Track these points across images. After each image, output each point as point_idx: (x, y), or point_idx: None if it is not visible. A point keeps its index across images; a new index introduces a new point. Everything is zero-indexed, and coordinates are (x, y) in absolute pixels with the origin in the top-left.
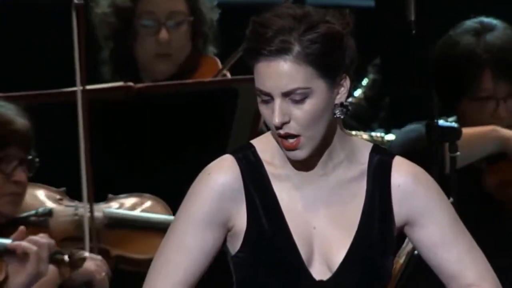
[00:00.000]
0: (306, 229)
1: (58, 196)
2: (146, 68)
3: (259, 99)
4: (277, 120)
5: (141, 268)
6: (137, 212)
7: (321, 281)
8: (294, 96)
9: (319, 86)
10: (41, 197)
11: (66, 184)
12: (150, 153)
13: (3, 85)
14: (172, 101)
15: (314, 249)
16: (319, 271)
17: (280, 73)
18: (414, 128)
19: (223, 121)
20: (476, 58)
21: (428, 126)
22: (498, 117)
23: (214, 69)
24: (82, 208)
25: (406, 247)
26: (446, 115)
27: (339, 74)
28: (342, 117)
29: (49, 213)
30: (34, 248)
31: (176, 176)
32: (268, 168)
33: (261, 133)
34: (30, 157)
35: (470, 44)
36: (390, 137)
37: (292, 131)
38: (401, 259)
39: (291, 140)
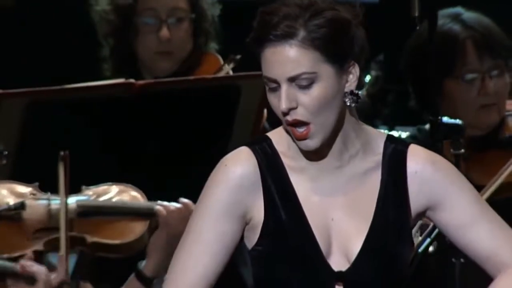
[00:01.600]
0: (324, 221)
1: (31, 190)
2: (147, 66)
3: (267, 89)
4: (284, 105)
5: (120, 254)
6: (108, 200)
7: (340, 272)
8: (300, 82)
9: (326, 71)
10: (15, 192)
11: (40, 178)
12: (152, 150)
13: None
14: (174, 98)
15: (332, 240)
16: (338, 262)
17: (286, 58)
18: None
19: (226, 118)
20: (457, 36)
21: (432, 123)
22: (485, 92)
23: (216, 66)
24: (54, 199)
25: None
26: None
27: (347, 60)
28: (352, 105)
29: (22, 206)
30: (43, 274)
31: (178, 173)
32: (285, 160)
33: (264, 130)
34: None
35: (448, 24)
36: (394, 134)
37: (300, 118)
38: None
39: (300, 130)
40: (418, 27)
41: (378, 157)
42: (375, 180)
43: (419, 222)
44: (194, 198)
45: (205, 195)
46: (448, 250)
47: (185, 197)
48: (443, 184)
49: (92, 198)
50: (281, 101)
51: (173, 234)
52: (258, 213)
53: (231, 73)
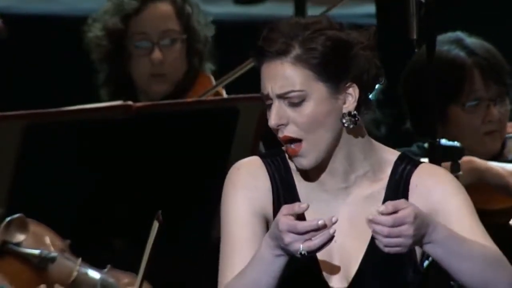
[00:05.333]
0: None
1: (62, 246)
2: (142, 89)
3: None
4: (272, 121)
5: None
6: None
7: None
8: (291, 99)
9: (318, 90)
10: (47, 241)
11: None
12: (149, 172)
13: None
14: (172, 120)
15: (333, 261)
16: (337, 282)
17: (277, 74)
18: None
19: (224, 140)
20: (464, 62)
21: (430, 145)
22: (489, 120)
23: (208, 86)
24: (79, 266)
25: None
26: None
27: (343, 81)
28: (350, 126)
29: (52, 259)
30: None
31: (176, 195)
32: (295, 176)
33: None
34: None
35: (453, 50)
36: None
37: (291, 134)
38: None
39: (293, 146)
40: (416, 50)
41: (386, 177)
42: (378, 201)
43: None
44: (192, 220)
45: (225, 202)
46: (447, 273)
47: (183, 219)
48: (441, 196)
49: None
50: (270, 116)
51: None
52: (269, 220)
53: (224, 93)
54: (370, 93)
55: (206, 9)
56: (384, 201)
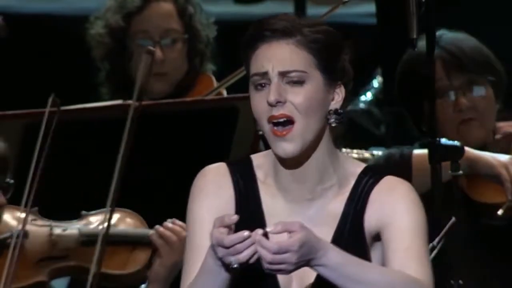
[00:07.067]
0: None
1: (31, 216)
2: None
3: (252, 91)
4: (272, 97)
5: (121, 284)
6: (113, 227)
7: None
8: (291, 78)
9: (317, 76)
10: (15, 217)
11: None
12: (150, 171)
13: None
14: (172, 119)
15: (292, 275)
16: None
17: (281, 53)
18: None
19: (224, 139)
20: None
21: (430, 144)
22: (460, 108)
23: (209, 87)
24: (56, 227)
25: None
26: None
27: (336, 76)
28: (333, 124)
29: (25, 234)
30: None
31: (176, 195)
32: (261, 186)
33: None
34: (7, 180)
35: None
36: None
37: (287, 113)
38: None
39: (282, 128)
40: (416, 49)
41: (348, 191)
42: (337, 215)
43: None
44: None
45: (190, 209)
46: (447, 272)
47: (183, 218)
48: (392, 212)
49: (95, 226)
50: (270, 93)
51: (175, 261)
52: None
53: (225, 94)
54: (344, 105)
55: (206, 8)
56: (342, 215)
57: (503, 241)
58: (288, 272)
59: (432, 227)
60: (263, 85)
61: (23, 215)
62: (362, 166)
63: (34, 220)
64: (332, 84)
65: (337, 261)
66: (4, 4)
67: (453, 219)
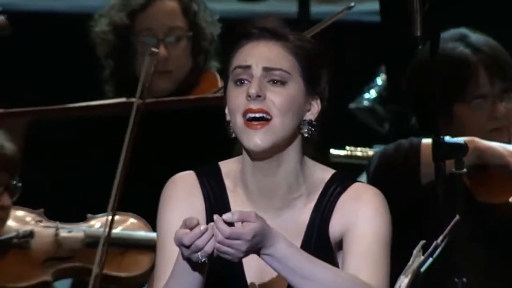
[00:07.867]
0: (256, 258)
1: (37, 218)
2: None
3: (231, 85)
4: (253, 89)
5: (123, 286)
6: (117, 230)
7: None
8: (274, 76)
9: (298, 82)
10: (21, 218)
11: (43, 204)
12: (153, 168)
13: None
14: (175, 117)
15: (263, 278)
16: None
17: (268, 51)
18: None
19: (227, 136)
20: (468, 60)
21: (434, 142)
22: (496, 116)
23: (214, 84)
24: (62, 229)
25: (412, 265)
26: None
27: (315, 88)
28: (305, 134)
29: (30, 234)
30: None
31: None
32: (230, 195)
33: None
34: (14, 182)
35: (458, 48)
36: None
37: (265, 108)
38: (406, 278)
39: (257, 123)
40: (420, 47)
41: (315, 199)
42: (303, 224)
43: (421, 242)
44: None
45: (161, 215)
46: (450, 270)
47: None
48: (356, 219)
49: (100, 228)
50: (251, 86)
51: None
52: None
53: None
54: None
55: (210, 6)
56: (309, 224)
57: (508, 239)
58: (237, 259)
59: (436, 225)
60: (243, 81)
61: (27, 215)
62: (330, 171)
63: (40, 221)
64: (311, 94)
65: (284, 253)
66: (8, 2)
67: (457, 217)
